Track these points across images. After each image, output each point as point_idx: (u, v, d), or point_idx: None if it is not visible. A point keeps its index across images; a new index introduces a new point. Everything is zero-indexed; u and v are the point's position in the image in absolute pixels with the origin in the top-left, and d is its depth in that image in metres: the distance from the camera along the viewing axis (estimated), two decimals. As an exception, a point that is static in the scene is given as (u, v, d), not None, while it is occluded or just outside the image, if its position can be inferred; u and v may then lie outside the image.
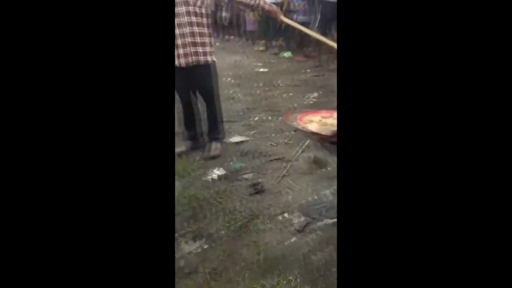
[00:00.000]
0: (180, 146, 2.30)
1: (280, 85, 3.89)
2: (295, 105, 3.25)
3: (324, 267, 1.28)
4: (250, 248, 1.39)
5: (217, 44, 6.61)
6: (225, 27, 7.00)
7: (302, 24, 4.86)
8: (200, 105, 2.38)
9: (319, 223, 1.56)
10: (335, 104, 0.57)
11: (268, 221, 1.58)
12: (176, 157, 2.14)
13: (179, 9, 1.98)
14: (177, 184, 1.84)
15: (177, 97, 2.18)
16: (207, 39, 2.08)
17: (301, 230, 1.51)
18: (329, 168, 2.05)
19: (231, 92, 3.74)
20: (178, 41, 2.02)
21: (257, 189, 1.88)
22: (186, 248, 1.42)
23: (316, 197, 1.77)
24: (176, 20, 1.98)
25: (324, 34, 4.32)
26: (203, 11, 2.03)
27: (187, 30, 2.02)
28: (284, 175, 2.02)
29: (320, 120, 1.14)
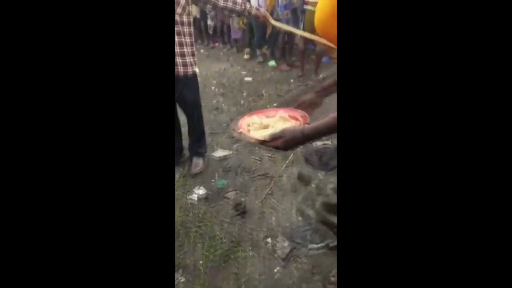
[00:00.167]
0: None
1: (264, 95, 3.82)
2: (280, 116, 3.18)
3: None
4: (231, 282, 1.30)
5: (202, 51, 6.52)
6: (209, 34, 6.91)
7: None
8: (181, 117, 2.26)
9: (303, 249, 1.48)
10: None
11: (250, 248, 1.49)
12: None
13: None
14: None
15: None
16: (187, 49, 1.90)
17: (284, 258, 1.43)
18: (313, 185, 1.98)
19: (214, 102, 3.64)
20: None
21: (239, 210, 1.78)
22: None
23: (300, 218, 1.69)
24: None
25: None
26: (184, 19, 1.84)
27: None
28: (267, 194, 1.93)
29: (261, 123, 0.91)
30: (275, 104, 3.51)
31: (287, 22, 4.19)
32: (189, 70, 1.94)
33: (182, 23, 1.84)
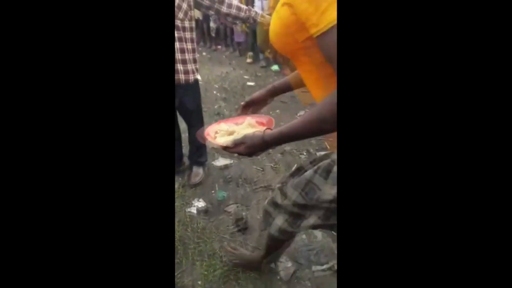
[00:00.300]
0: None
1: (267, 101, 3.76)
2: (281, 123, 3.12)
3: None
4: (230, 307, 1.22)
5: (204, 53, 6.46)
6: (212, 36, 6.85)
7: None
8: (182, 124, 2.19)
9: (307, 271, 1.40)
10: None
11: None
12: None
13: None
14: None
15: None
16: (189, 56, 1.83)
17: (287, 280, 1.35)
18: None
19: (216, 107, 3.58)
20: None
21: (240, 226, 1.71)
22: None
23: (304, 236, 1.62)
24: None
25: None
26: (186, 24, 1.77)
27: None
28: (270, 208, 1.86)
29: (227, 130, 0.92)
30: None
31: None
32: (190, 77, 1.87)
33: (184, 29, 1.77)
